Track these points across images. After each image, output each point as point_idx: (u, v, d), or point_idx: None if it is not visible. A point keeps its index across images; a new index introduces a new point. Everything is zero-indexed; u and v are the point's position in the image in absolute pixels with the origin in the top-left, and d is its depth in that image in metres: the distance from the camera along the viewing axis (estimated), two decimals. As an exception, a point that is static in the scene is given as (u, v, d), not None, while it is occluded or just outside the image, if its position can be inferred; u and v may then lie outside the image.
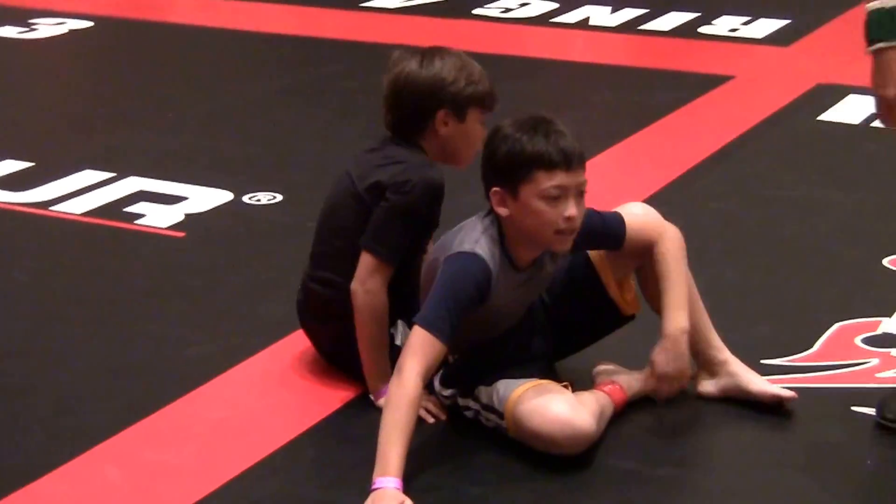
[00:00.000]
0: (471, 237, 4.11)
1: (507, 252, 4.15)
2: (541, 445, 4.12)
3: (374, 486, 3.86)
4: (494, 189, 4.08)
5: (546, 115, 4.16)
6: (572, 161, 4.01)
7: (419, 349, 3.97)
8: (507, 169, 4.05)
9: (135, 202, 6.19)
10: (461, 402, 4.34)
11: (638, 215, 4.36)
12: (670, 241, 4.33)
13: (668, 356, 4.23)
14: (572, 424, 4.08)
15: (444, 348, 4.02)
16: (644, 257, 4.35)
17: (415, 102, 4.49)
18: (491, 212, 4.16)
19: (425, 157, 4.46)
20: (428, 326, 3.98)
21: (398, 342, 4.54)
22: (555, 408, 4.10)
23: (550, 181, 3.99)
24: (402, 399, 3.90)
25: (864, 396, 4.58)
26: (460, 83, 4.44)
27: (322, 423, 4.41)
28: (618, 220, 4.29)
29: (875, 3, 3.90)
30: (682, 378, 4.27)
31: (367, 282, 4.31)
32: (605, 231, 4.26)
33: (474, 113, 4.47)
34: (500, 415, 4.20)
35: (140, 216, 6.05)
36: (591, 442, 4.14)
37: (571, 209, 4.02)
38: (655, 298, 4.41)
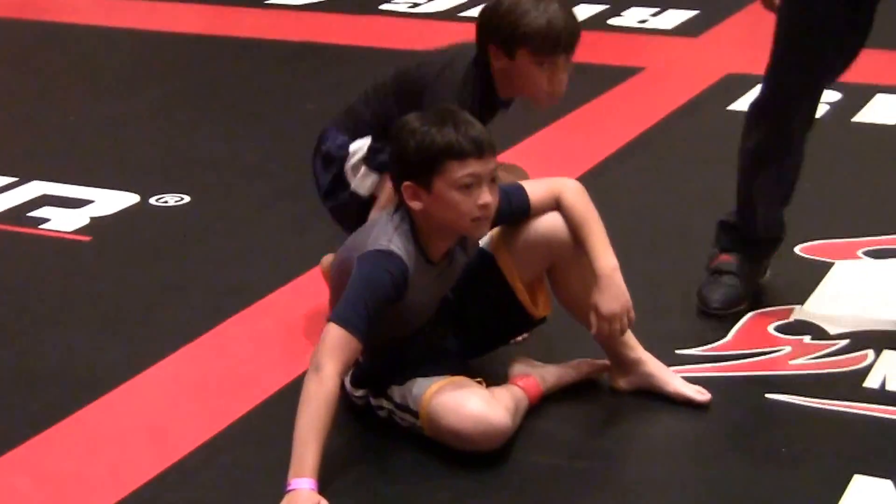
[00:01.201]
0: (384, 235, 4.14)
1: (420, 247, 4.18)
2: (457, 443, 4.15)
3: (288, 488, 3.87)
4: (406, 184, 4.10)
5: (452, 106, 4.21)
6: (483, 149, 4.06)
7: (336, 348, 3.98)
8: (418, 163, 4.07)
9: (38, 207, 6.16)
10: (374, 402, 4.36)
11: (535, 181, 4.47)
12: (574, 192, 4.39)
13: (609, 295, 4.28)
14: (487, 421, 4.11)
15: (360, 346, 4.03)
16: (553, 257, 4.41)
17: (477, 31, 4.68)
18: (399, 208, 4.18)
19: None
20: (344, 324, 3.99)
21: None
22: (469, 404, 4.13)
23: (464, 170, 4.03)
24: (320, 398, 3.91)
25: (777, 384, 4.64)
26: (511, 17, 4.49)
27: (235, 425, 4.42)
28: (520, 190, 4.35)
29: None
30: (629, 312, 4.31)
31: None
32: (511, 207, 4.31)
33: (524, 54, 4.51)
34: (415, 414, 4.22)
35: (44, 220, 6.02)
36: (507, 438, 4.18)
37: (486, 196, 4.07)
38: (569, 301, 4.51)
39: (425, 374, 4.26)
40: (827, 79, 5.08)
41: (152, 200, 6.23)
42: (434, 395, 4.17)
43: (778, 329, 5.01)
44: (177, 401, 4.64)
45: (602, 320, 4.31)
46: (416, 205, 4.11)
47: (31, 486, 4.13)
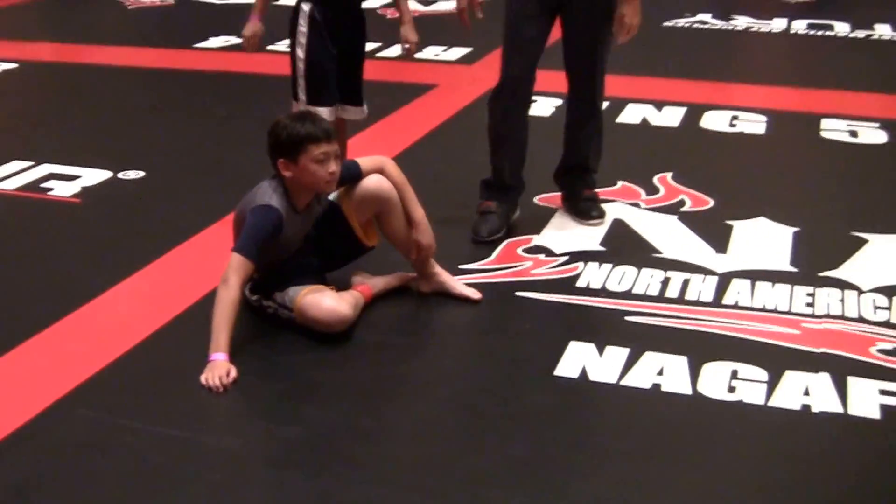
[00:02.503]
0: (266, 195, 4.19)
1: (290, 202, 4.23)
2: (318, 327, 4.18)
3: (210, 359, 3.90)
4: (280, 160, 4.17)
5: (307, 110, 4.41)
6: (330, 136, 4.19)
7: (238, 268, 4.05)
8: (289, 146, 4.15)
9: (46, 181, 6.03)
10: (265, 303, 4.36)
11: (365, 157, 4.50)
12: (392, 166, 4.52)
13: (426, 234, 4.49)
14: (337, 312, 4.16)
15: (252, 266, 4.10)
16: (379, 206, 4.44)
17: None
18: (275, 177, 4.24)
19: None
20: (243, 253, 4.07)
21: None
22: (325, 302, 4.18)
23: (318, 150, 4.13)
24: (227, 300, 3.98)
25: (523, 286, 4.67)
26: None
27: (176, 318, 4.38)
28: (355, 164, 4.43)
29: None
30: (433, 244, 4.51)
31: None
32: (350, 173, 4.37)
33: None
34: (290, 309, 4.25)
35: (50, 189, 5.90)
36: (350, 323, 4.23)
37: (333, 167, 4.18)
38: (391, 236, 4.55)
39: (297, 284, 4.28)
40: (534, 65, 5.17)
41: (120, 175, 6.14)
42: (302, 297, 4.20)
43: (524, 251, 5.04)
44: (132, 305, 4.60)
45: (421, 250, 4.46)
46: (287, 174, 4.19)
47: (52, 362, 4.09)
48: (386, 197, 4.43)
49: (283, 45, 9.75)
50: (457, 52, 9.23)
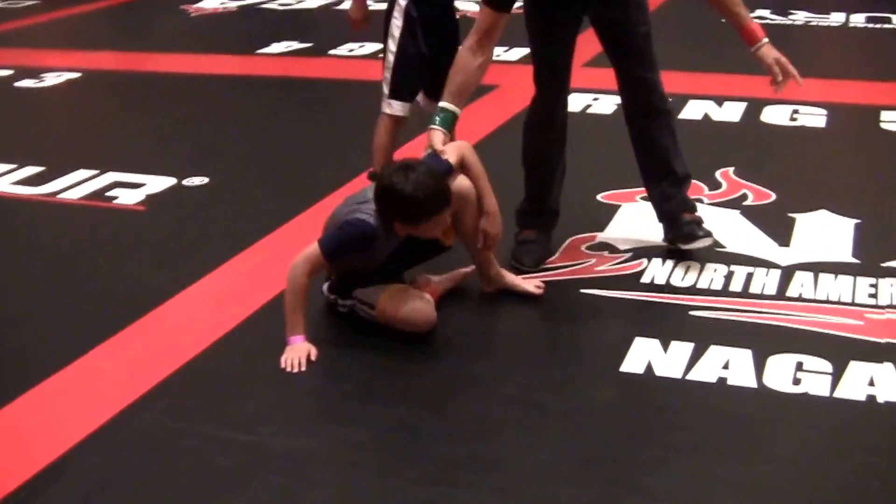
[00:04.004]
0: (370, 213, 4.14)
1: (391, 230, 4.17)
2: (405, 327, 4.20)
3: (289, 342, 4.03)
4: (397, 223, 4.10)
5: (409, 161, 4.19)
6: (449, 201, 4.12)
7: (313, 259, 4.10)
8: (409, 216, 4.07)
9: (111, 189, 6.08)
10: (340, 301, 4.36)
11: (448, 147, 4.35)
12: (471, 152, 4.42)
13: (495, 223, 4.40)
14: (426, 312, 4.19)
15: (325, 264, 4.14)
16: (458, 205, 4.30)
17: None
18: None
19: None
20: (323, 249, 4.09)
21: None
22: (416, 303, 4.20)
23: (440, 217, 4.10)
24: (297, 287, 4.06)
25: (588, 283, 4.64)
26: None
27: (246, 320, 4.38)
28: (443, 161, 4.28)
29: None
30: (500, 237, 4.45)
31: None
32: (442, 168, 4.25)
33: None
34: (372, 307, 4.24)
35: (116, 198, 5.94)
36: (434, 324, 4.24)
37: (445, 227, 4.19)
38: (462, 234, 4.44)
39: (380, 283, 4.28)
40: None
41: (185, 182, 6.17)
42: (389, 297, 4.21)
43: (587, 248, 5.01)
44: (198, 311, 4.62)
45: (488, 238, 4.39)
46: (401, 231, 4.14)
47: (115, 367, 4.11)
48: (465, 196, 4.34)
49: (344, 50, 9.81)
50: (517, 53, 9.19)
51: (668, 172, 4.90)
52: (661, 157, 4.89)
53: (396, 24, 5.23)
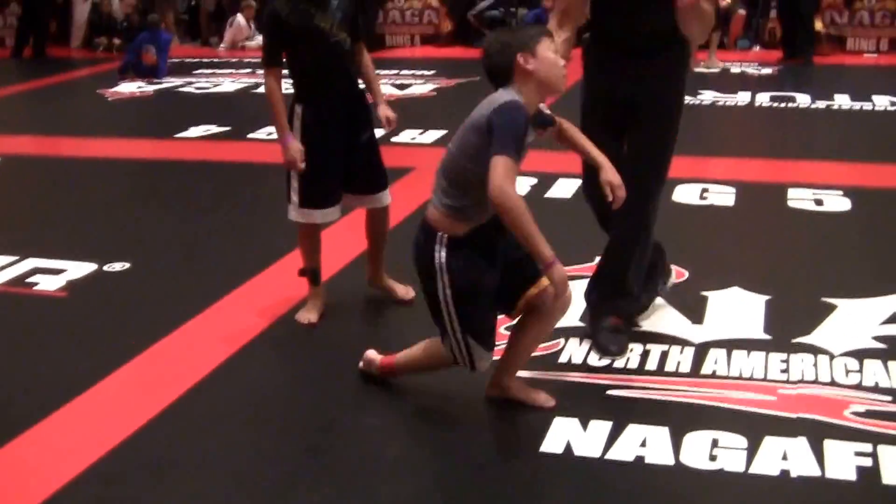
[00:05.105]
0: (509, 94, 3.98)
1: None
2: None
3: (551, 264, 3.81)
4: (518, 56, 3.97)
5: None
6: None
7: (510, 171, 3.79)
8: (523, 40, 3.99)
9: (32, 275, 6.06)
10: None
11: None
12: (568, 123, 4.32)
13: (612, 170, 4.14)
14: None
15: (518, 166, 3.88)
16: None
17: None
18: (508, 88, 4.01)
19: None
20: (508, 153, 3.80)
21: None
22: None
23: (552, 42, 4.04)
24: (522, 206, 3.77)
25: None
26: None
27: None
28: (549, 116, 4.24)
29: None
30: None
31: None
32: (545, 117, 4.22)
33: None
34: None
35: (36, 284, 5.93)
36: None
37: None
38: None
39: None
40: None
41: (106, 267, 6.15)
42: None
43: (506, 329, 4.89)
44: (122, 397, 4.58)
45: (616, 187, 4.11)
46: (529, 67, 3.98)
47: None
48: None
49: (262, 133, 9.85)
50: (432, 135, 9.29)
51: (617, 284, 4.96)
52: (619, 270, 4.94)
53: (297, 132, 5.12)
